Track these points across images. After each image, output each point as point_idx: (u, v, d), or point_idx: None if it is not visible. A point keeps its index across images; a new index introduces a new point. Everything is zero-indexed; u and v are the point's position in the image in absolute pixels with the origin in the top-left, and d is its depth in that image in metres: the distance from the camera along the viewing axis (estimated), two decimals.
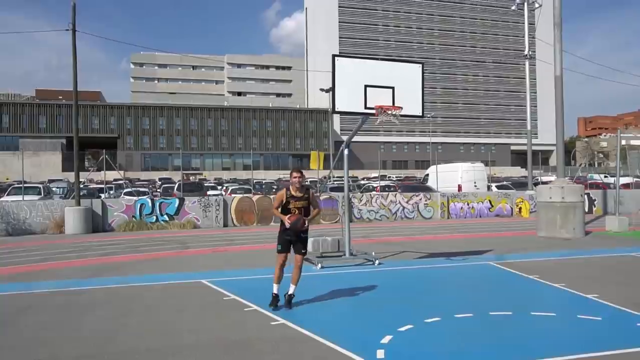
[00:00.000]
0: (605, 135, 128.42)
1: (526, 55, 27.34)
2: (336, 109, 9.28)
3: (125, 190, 26.09)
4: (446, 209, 23.44)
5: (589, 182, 32.73)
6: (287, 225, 6.80)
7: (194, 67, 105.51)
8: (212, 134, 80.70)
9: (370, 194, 23.83)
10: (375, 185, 30.11)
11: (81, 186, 20.48)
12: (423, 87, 9.94)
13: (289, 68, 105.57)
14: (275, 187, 36.64)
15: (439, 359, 4.90)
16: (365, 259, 10.94)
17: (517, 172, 75.95)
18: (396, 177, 57.25)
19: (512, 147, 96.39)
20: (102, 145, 63.70)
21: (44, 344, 5.66)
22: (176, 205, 20.53)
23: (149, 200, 20.73)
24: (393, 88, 9.41)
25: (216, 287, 8.45)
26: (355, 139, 11.35)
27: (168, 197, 22.03)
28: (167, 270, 10.40)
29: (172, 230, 19.63)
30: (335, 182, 30.11)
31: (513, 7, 28.97)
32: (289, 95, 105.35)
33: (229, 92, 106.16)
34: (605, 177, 39.36)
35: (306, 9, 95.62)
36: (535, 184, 26.22)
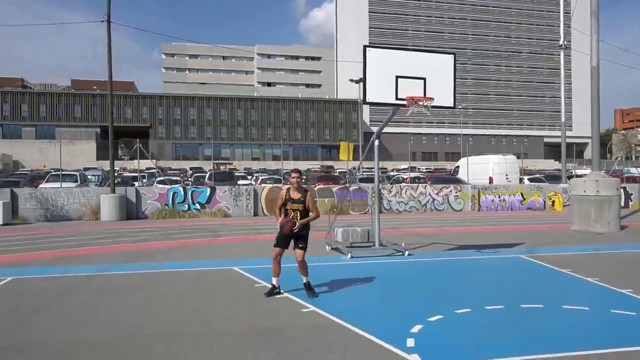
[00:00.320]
0: None
1: (561, 45, 26.69)
2: (367, 100, 9.28)
3: (158, 179, 26.58)
4: (477, 201, 23.20)
5: (626, 175, 31.90)
6: (277, 226, 6.98)
7: (224, 58, 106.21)
8: (242, 124, 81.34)
9: (400, 186, 23.74)
10: (405, 176, 29.96)
11: (115, 174, 20.99)
12: (455, 78, 9.84)
13: (319, 59, 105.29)
14: (304, 177, 36.81)
15: (470, 349, 4.91)
16: (395, 250, 10.96)
17: (550, 165, 74.37)
18: (426, 168, 56.77)
19: (546, 140, 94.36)
20: (135, 135, 65.01)
21: (83, 324, 5.89)
22: (207, 194, 20.86)
23: (181, 189, 21.11)
24: (424, 79, 9.36)
25: (248, 274, 8.61)
26: (385, 130, 11.33)
27: (200, 186, 22.38)
28: (199, 257, 10.63)
29: (204, 218, 19.97)
30: (364, 173, 30.07)
31: None
32: (319, 86, 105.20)
33: (259, 82, 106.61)
34: None
35: None
36: (569, 178, 25.69)
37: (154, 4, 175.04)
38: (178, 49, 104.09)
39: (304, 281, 7.11)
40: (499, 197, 23.56)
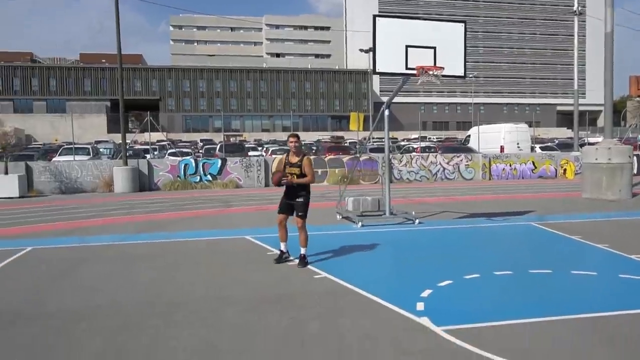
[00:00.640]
0: None
1: (575, 11, 26.15)
2: (377, 70, 9.24)
3: (170, 151, 26.78)
4: (488, 170, 23.15)
5: (639, 143, 31.53)
6: (273, 182, 7.17)
7: (232, 29, 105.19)
8: (252, 96, 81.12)
9: (410, 155, 23.72)
10: (415, 146, 29.90)
11: (127, 147, 21.17)
12: (465, 47, 9.75)
13: (328, 28, 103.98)
14: (314, 148, 36.86)
15: (478, 313, 5.03)
16: (405, 218, 11.06)
17: (562, 133, 73.60)
18: (436, 138, 56.51)
19: (558, 108, 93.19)
20: (145, 108, 65.12)
21: (103, 291, 6.09)
22: (219, 165, 21.02)
23: (193, 161, 21.28)
24: (435, 48, 9.28)
25: (260, 243, 8.78)
26: (395, 99, 11.30)
27: (211, 158, 22.52)
28: (211, 227, 10.81)
29: (215, 189, 20.17)
30: (374, 144, 30.05)
31: None
32: (328, 56, 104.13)
33: (268, 53, 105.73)
34: None
35: None
36: (582, 146, 25.48)
37: None
38: (186, 21, 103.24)
39: (302, 252, 7.11)
40: (510, 165, 23.48)
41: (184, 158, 22.14)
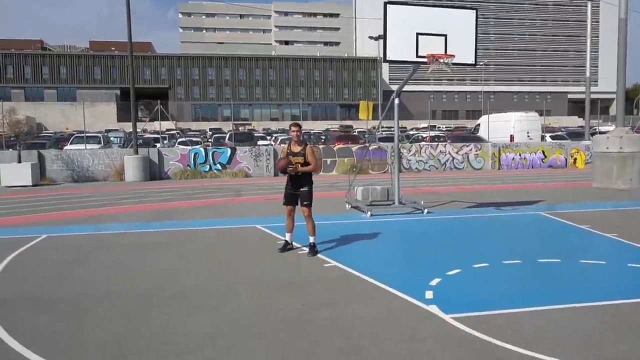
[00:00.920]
0: None
1: None
2: (387, 58, 9.24)
3: (180, 140, 26.93)
4: (497, 159, 23.09)
5: None
6: (278, 168, 7.22)
7: (241, 16, 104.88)
8: (260, 84, 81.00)
9: (420, 144, 23.70)
10: (424, 135, 29.83)
11: (137, 136, 21.29)
12: (477, 34, 9.71)
13: (337, 15, 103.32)
14: (323, 137, 36.84)
15: (486, 301, 5.08)
16: (414, 208, 11.11)
17: (573, 122, 72.98)
18: (446, 127, 56.24)
19: (570, 96, 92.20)
20: (154, 96, 65.21)
21: (119, 278, 6.22)
22: (228, 154, 21.12)
23: (202, 150, 21.39)
24: (445, 35, 9.26)
25: (270, 232, 8.87)
26: (404, 88, 11.29)
27: (220, 147, 22.63)
28: (222, 215, 10.93)
29: (225, 178, 20.30)
30: (383, 133, 29.99)
31: None
32: (337, 44, 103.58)
33: (276, 41, 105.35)
34: None
35: None
36: (593, 134, 25.30)
37: None
38: (195, 8, 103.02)
39: (311, 241, 7.19)
40: (520, 155, 23.39)
41: (194, 147, 22.26)
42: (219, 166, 20.96)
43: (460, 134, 33.68)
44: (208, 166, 20.89)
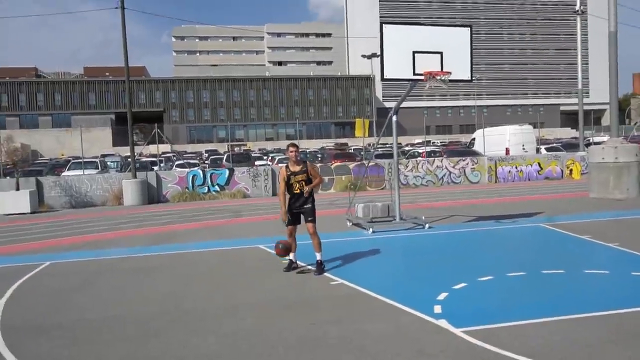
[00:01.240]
0: None
1: (577, 10, 26.26)
2: (385, 77, 9.38)
3: (177, 163, 26.99)
4: (494, 172, 23.22)
5: None
6: (283, 219, 7.27)
7: (234, 39, 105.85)
8: (255, 105, 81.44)
9: (417, 160, 23.82)
10: (420, 151, 29.97)
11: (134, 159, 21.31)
12: (472, 51, 9.88)
13: (329, 35, 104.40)
14: (319, 156, 36.98)
15: (494, 314, 5.12)
16: (415, 223, 11.16)
17: (566, 133, 73.48)
18: (440, 142, 56.53)
19: (562, 108, 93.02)
20: (149, 120, 65.48)
21: (122, 302, 6.22)
22: (226, 175, 21.17)
23: (200, 172, 21.44)
24: (441, 53, 9.43)
25: (273, 252, 8.85)
26: None
27: (218, 168, 22.68)
28: (224, 237, 10.94)
29: (223, 199, 20.31)
30: (379, 150, 30.13)
31: None
32: (330, 63, 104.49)
33: (270, 62, 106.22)
34: None
35: None
36: (587, 145, 25.51)
37: None
38: (188, 31, 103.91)
39: (318, 258, 7.19)
40: (516, 167, 23.54)
41: (192, 169, 22.31)
42: (217, 187, 20.99)
43: (455, 148, 33.85)
44: (206, 188, 20.92)
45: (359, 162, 23.51)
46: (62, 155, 56.95)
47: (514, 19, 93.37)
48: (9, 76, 77.98)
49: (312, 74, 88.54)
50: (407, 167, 22.58)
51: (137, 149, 36.26)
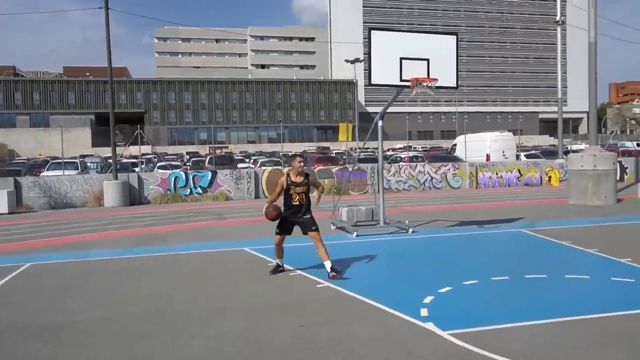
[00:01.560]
0: (638, 102, 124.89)
1: (558, 21, 26.77)
2: (372, 82, 9.46)
3: (159, 164, 26.75)
4: (475, 178, 23.50)
5: (621, 149, 32.20)
6: (264, 211, 7.14)
7: (217, 41, 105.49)
8: (237, 108, 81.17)
9: (399, 165, 24.00)
10: (402, 156, 30.21)
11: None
12: (458, 58, 10.03)
13: (312, 39, 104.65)
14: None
15: (480, 317, 5.20)
16: (399, 227, 11.25)
17: (545, 140, 74.70)
18: (422, 147, 57.01)
19: (541, 116, 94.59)
20: (130, 121, 64.73)
21: (107, 304, 6.17)
22: (209, 178, 21.06)
23: (183, 174, 21.30)
24: (428, 60, 9.54)
25: (259, 254, 8.88)
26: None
27: (201, 171, 22.55)
28: (208, 239, 10.89)
29: (206, 202, 20.20)
30: (362, 154, 30.26)
31: None
32: (313, 67, 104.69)
33: (253, 64, 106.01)
34: (638, 144, 38.62)
35: None
36: (566, 153, 25.98)
37: None
38: (170, 33, 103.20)
39: (329, 266, 6.95)
40: (497, 174, 23.87)
41: (174, 171, 22.14)
42: (199, 190, 20.86)
43: (436, 154, 34.20)
44: (189, 190, 20.78)
45: (341, 166, 23.60)
46: (40, 155, 56.01)
47: (495, 27, 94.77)
48: None
49: (295, 77, 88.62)
50: (389, 171, 22.73)
51: (118, 150, 35.91)
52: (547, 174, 24.41)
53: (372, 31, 9.40)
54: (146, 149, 40.16)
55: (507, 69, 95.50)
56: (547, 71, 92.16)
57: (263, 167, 24.68)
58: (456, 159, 25.86)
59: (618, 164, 22.22)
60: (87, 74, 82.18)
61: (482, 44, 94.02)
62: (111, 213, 16.94)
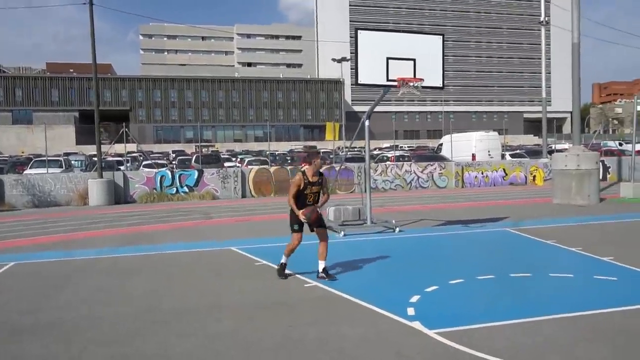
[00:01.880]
0: (620, 102, 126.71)
1: (542, 21, 27.06)
2: (359, 82, 9.51)
3: (145, 163, 26.58)
4: (460, 178, 23.69)
5: (604, 149, 32.66)
6: (303, 218, 6.72)
7: (203, 38, 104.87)
8: (224, 106, 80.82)
9: (386, 164, 24.10)
10: (389, 155, 30.34)
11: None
12: (444, 59, 10.11)
13: (299, 37, 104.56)
14: (288, 158, 36.97)
15: (466, 315, 5.26)
16: (386, 227, 11.32)
17: (529, 140, 75.45)
18: (408, 146, 57.26)
19: (525, 115, 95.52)
20: (114, 118, 64.23)
21: (100, 303, 6.15)
22: (195, 176, 20.97)
23: (169, 172, 21.18)
24: (414, 60, 9.62)
25: (246, 254, 8.88)
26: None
27: (187, 169, 22.45)
28: (196, 239, 10.86)
29: (192, 201, 20.12)
30: (349, 153, 30.33)
31: None
32: (299, 65, 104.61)
33: (239, 63, 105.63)
34: (620, 144, 39.20)
35: None
36: (550, 152, 26.30)
37: None
38: (156, 30, 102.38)
39: (322, 267, 6.92)
40: (482, 173, 24.08)
41: (160, 170, 22.01)
42: (186, 189, 20.77)
43: (423, 153, 34.40)
44: (175, 189, 20.67)
45: (328, 165, 23.63)
46: (23, 152, 55.28)
47: (482, 28, 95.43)
48: None
49: (281, 76, 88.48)
50: (376, 171, 22.82)
51: (103, 148, 35.58)
52: (531, 174, 24.68)
53: (359, 31, 9.45)
54: (131, 147, 39.93)
55: (493, 69, 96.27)
56: (532, 71, 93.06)
57: (250, 166, 24.63)
58: (442, 159, 26.04)
59: (601, 163, 22.58)
60: (71, 70, 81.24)
61: (468, 44, 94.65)
62: (96, 212, 16.81)
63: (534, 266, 7.48)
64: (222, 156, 32.93)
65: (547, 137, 30.10)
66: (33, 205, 19.14)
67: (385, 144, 60.50)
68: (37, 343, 4.84)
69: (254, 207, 17.17)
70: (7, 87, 73.10)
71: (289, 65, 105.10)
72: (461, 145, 28.22)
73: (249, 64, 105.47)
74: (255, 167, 23.03)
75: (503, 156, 28.97)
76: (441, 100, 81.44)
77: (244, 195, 21.20)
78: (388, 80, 9.55)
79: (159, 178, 20.61)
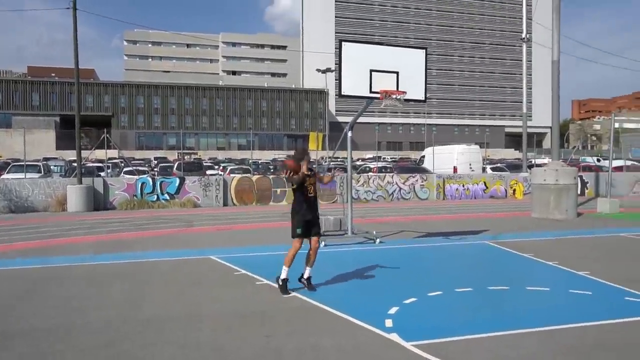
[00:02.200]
0: (598, 118, 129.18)
1: (523, 38, 27.54)
2: (342, 93, 9.58)
3: (126, 169, 26.30)
4: (442, 190, 23.88)
5: (582, 164, 33.21)
6: (305, 170, 6.70)
7: (188, 46, 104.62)
8: (207, 114, 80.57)
9: (368, 175, 24.20)
10: (372, 166, 30.47)
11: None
12: (426, 72, 10.23)
13: (284, 47, 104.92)
14: (271, 167, 36.93)
15: (444, 328, 5.29)
16: (366, 238, 11.35)
17: (510, 154, 76.48)
18: (391, 158, 57.61)
19: (507, 130, 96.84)
20: (96, 124, 63.51)
21: (75, 310, 6.04)
22: (177, 184, 20.82)
23: (150, 180, 21.00)
24: (397, 73, 9.71)
25: (225, 263, 8.83)
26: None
27: (169, 177, 22.29)
28: (175, 247, 10.76)
29: (173, 209, 19.95)
30: (331, 164, 30.41)
31: None
32: (284, 75, 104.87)
33: (224, 71, 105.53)
34: (598, 160, 39.89)
35: None
36: (530, 167, 26.66)
37: None
38: (140, 36, 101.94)
39: (308, 275, 6.91)
40: (463, 185, 24.31)
41: (141, 176, 21.81)
42: (167, 196, 20.60)
43: (405, 164, 34.62)
44: (156, 196, 20.49)
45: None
46: (1, 157, 54.38)
47: (465, 43, 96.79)
48: None
49: (266, 85, 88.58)
50: (358, 181, 22.90)
51: (84, 154, 35.14)
52: (511, 187, 24.99)
53: (343, 43, 9.53)
54: (112, 153, 39.52)
55: (476, 84, 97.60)
56: (514, 86, 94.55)
57: (232, 175, 24.53)
58: (424, 171, 26.25)
59: (579, 178, 22.95)
60: (53, 74, 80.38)
61: (451, 58, 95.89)
62: (75, 218, 16.57)
63: (511, 279, 7.56)
64: (204, 164, 32.75)
65: (527, 151, 30.51)
66: (9, 211, 18.80)
67: (368, 154, 60.77)
68: (7, 352, 4.74)
69: (236, 216, 17.09)
70: None
71: (273, 75, 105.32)
72: (443, 158, 28.50)
73: (234, 73, 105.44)
74: (238, 176, 22.95)
75: (484, 169, 29.29)
76: (424, 113, 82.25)
77: (225, 204, 21.09)
78: (371, 92, 9.62)
79: (139, 185, 20.41)
